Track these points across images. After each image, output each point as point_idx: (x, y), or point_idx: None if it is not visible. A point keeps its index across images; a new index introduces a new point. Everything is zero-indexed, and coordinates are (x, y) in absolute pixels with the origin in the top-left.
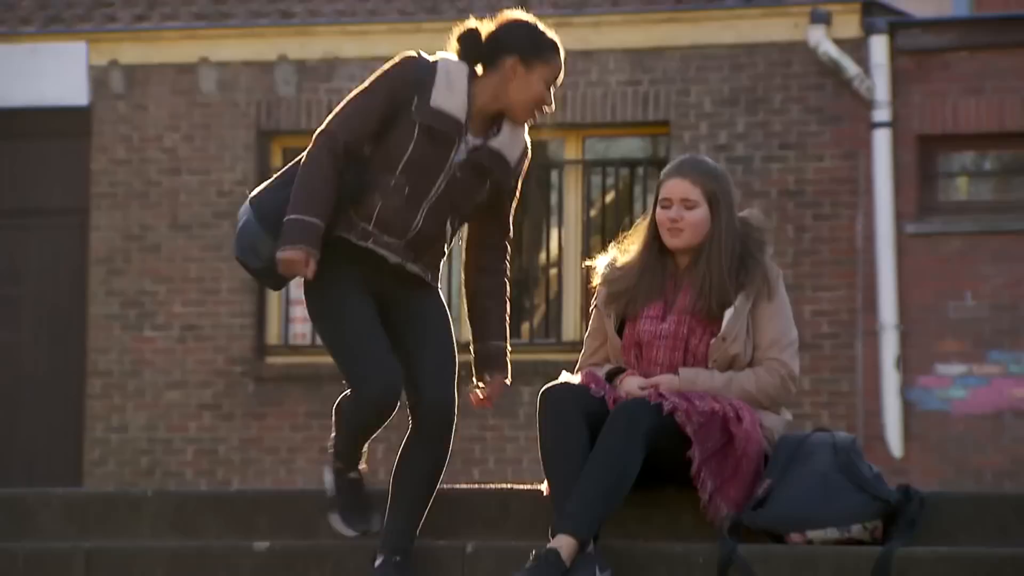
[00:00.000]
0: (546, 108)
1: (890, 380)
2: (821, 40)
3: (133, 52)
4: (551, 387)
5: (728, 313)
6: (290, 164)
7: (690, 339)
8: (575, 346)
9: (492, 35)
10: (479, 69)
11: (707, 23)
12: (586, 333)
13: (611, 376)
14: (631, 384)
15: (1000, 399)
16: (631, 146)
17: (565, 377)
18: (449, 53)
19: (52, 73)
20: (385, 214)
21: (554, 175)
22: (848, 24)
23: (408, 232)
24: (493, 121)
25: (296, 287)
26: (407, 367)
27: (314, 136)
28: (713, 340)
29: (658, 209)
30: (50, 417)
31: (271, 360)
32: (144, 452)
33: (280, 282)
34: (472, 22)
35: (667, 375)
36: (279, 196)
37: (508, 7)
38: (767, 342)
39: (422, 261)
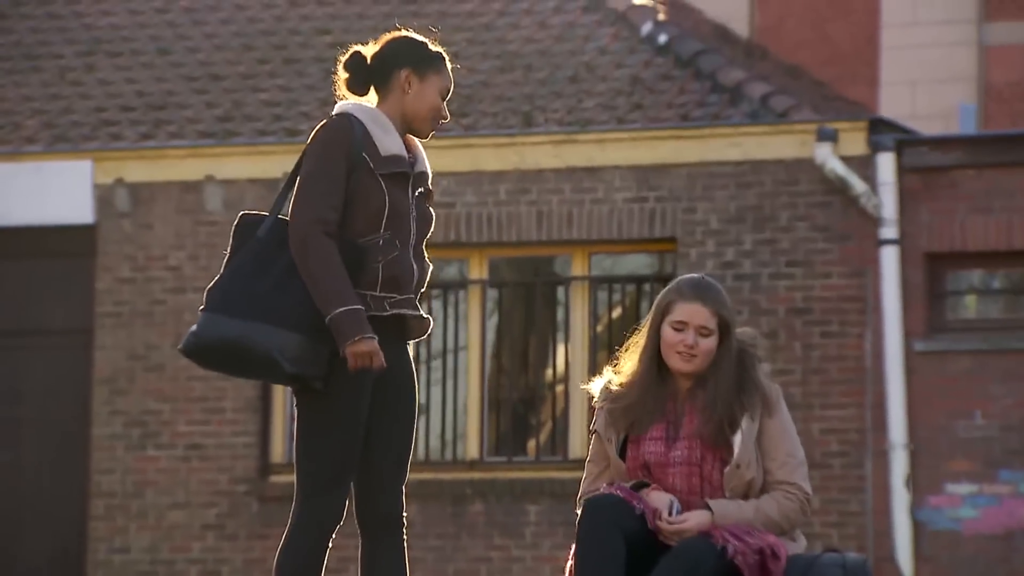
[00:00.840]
0: (443, 119)
1: (900, 500)
2: (828, 157)
3: (138, 170)
4: (593, 498)
5: (737, 439)
6: (234, 256)
7: (703, 465)
8: (582, 464)
9: (379, 54)
10: (372, 95)
11: (713, 140)
12: (587, 459)
13: (635, 490)
14: (661, 500)
15: (1011, 519)
16: (637, 263)
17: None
18: (346, 102)
19: (57, 191)
20: (389, 272)
21: (560, 291)
22: (855, 141)
23: (411, 282)
24: (405, 145)
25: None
26: (365, 466)
27: (300, 227)
28: (727, 468)
29: (668, 329)
30: (52, 539)
31: (275, 479)
32: (147, 574)
33: (312, 383)
34: (355, 47)
35: (699, 511)
36: (265, 292)
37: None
38: (777, 465)
39: (423, 309)
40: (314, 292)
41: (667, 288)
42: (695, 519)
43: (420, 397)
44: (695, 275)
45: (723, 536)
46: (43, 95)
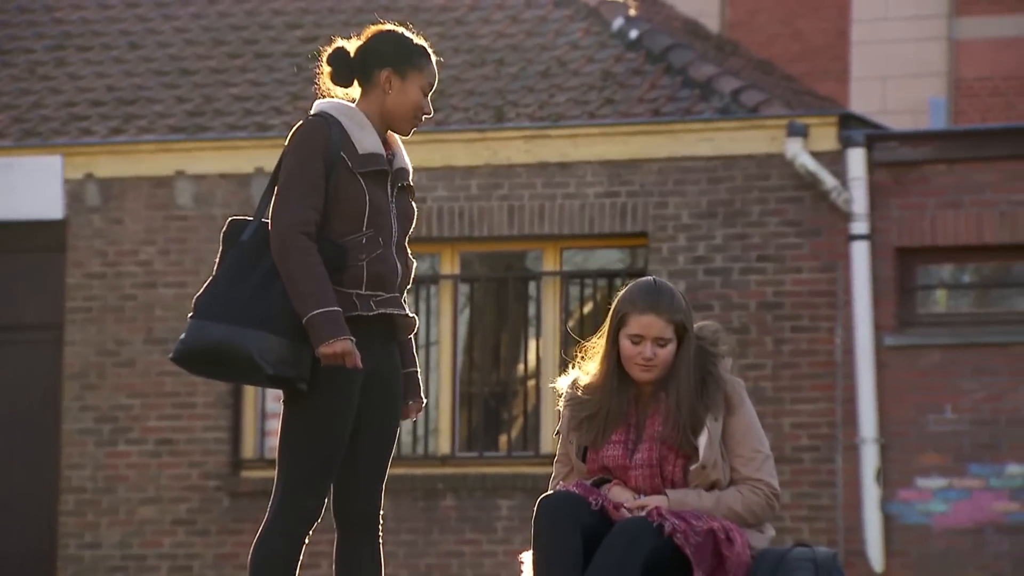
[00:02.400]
0: (425, 115)
1: (870, 494)
2: (798, 153)
3: (109, 165)
4: (549, 496)
5: (702, 440)
6: (225, 264)
7: (664, 466)
8: (553, 459)
9: (361, 50)
10: (356, 88)
11: (684, 135)
12: (555, 459)
13: (596, 486)
14: (622, 494)
15: (981, 513)
16: (609, 257)
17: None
18: (324, 100)
19: (27, 187)
20: (373, 270)
21: (532, 286)
22: (825, 137)
23: (396, 279)
24: (384, 142)
25: (274, 400)
26: (346, 464)
27: (281, 229)
28: (692, 467)
29: (625, 342)
30: (23, 534)
31: (246, 474)
32: (117, 569)
33: (294, 384)
34: (339, 42)
35: (656, 496)
36: (247, 296)
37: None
38: (743, 461)
39: (406, 306)
40: (293, 293)
41: (620, 297)
42: (653, 502)
43: None
44: (647, 280)
45: (660, 514)
46: (13, 90)
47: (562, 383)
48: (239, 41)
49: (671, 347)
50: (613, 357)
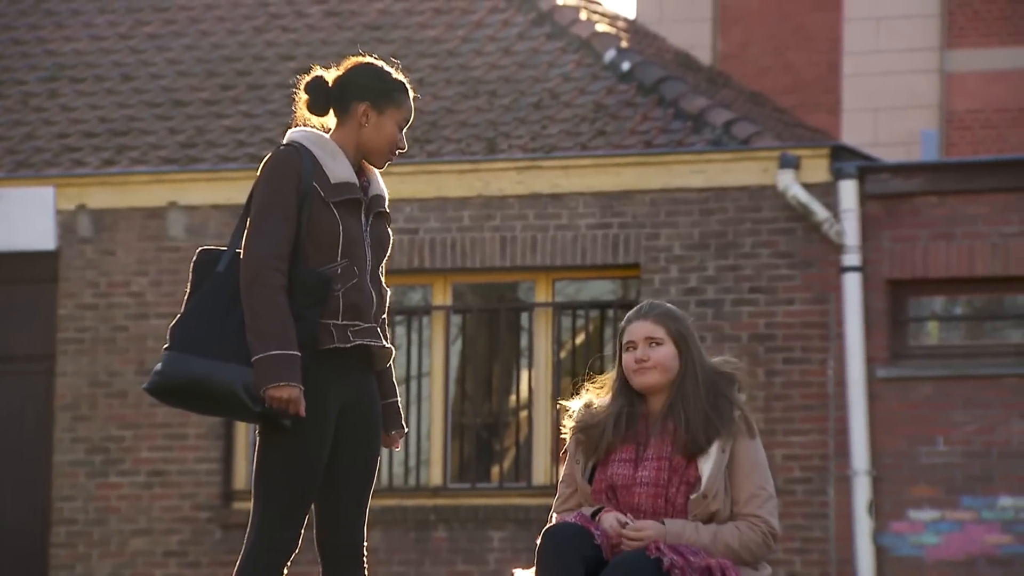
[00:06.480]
0: (399, 150)
1: (862, 526)
2: (790, 184)
3: (101, 196)
4: (554, 527)
5: (706, 468)
6: (195, 293)
7: (668, 488)
8: (545, 490)
9: (340, 81)
10: (332, 117)
11: (676, 167)
12: (559, 479)
13: (594, 516)
14: (609, 520)
15: (973, 546)
16: (601, 289)
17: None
18: (296, 129)
19: (19, 217)
20: (349, 299)
21: (524, 317)
22: (817, 168)
23: (371, 308)
24: (359, 170)
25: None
26: (327, 496)
27: (253, 262)
28: (693, 496)
29: (625, 355)
30: (13, 566)
31: (238, 506)
32: None
33: (279, 420)
34: (317, 70)
35: (651, 522)
36: (231, 330)
37: (479, 156)
38: (745, 497)
39: (385, 336)
40: (253, 327)
41: None
42: (652, 529)
43: None
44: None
45: (658, 548)
46: (6, 121)
47: (573, 404)
48: (232, 73)
49: (666, 349)
50: (619, 375)
